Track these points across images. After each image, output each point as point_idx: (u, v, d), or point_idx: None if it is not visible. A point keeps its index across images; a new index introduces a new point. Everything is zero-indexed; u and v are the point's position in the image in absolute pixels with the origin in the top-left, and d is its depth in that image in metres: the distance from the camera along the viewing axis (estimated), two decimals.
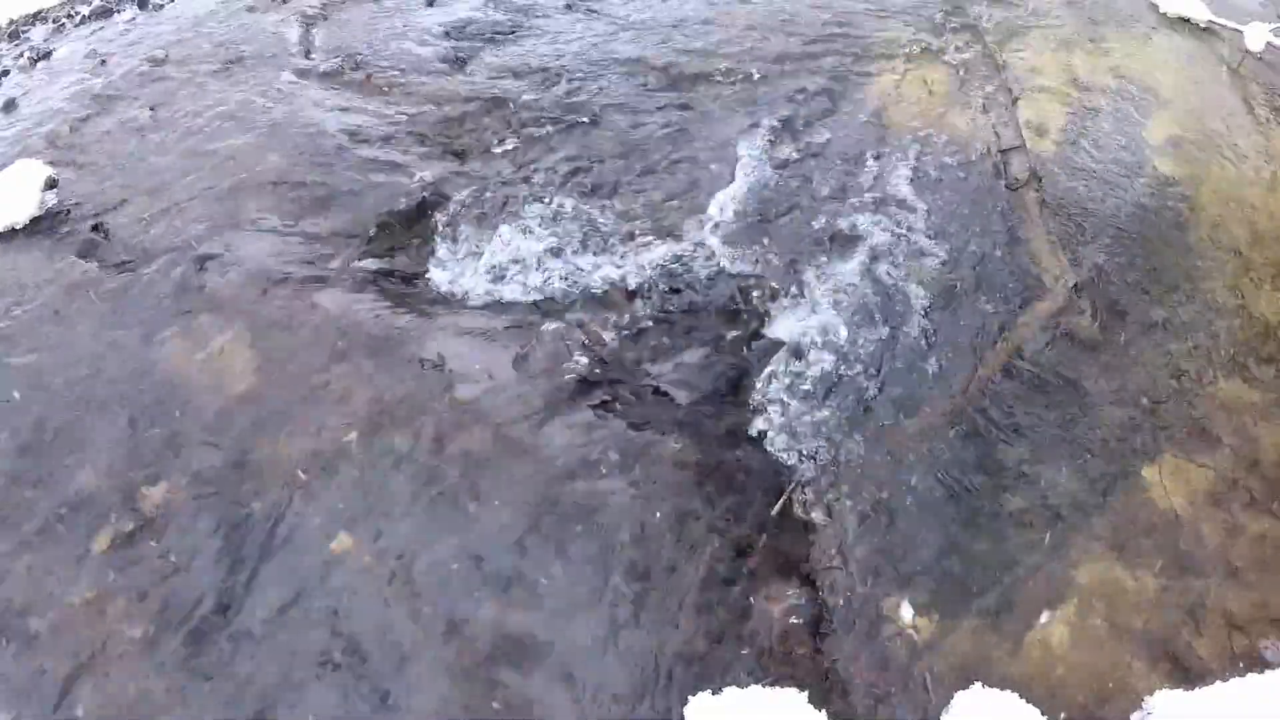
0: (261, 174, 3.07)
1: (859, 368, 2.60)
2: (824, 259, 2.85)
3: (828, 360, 2.61)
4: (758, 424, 2.49)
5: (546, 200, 3.02)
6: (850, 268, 2.82)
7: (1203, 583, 2.27)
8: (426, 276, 2.83)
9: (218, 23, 3.90)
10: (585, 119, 3.31)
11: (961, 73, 3.49)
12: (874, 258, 2.84)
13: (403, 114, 3.37)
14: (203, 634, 2.08)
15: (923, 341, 2.66)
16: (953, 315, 2.72)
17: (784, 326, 2.70)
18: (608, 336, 2.66)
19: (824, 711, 1.96)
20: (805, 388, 2.56)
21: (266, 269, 2.76)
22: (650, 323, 2.71)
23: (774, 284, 2.79)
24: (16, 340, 2.60)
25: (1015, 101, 3.35)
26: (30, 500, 2.28)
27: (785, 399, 2.54)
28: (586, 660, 2.05)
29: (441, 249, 2.90)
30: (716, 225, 2.94)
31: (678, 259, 2.85)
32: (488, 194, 3.06)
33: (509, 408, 2.45)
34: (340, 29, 3.89)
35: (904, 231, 2.91)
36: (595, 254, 2.86)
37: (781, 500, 2.34)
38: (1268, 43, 3.80)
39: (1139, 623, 2.20)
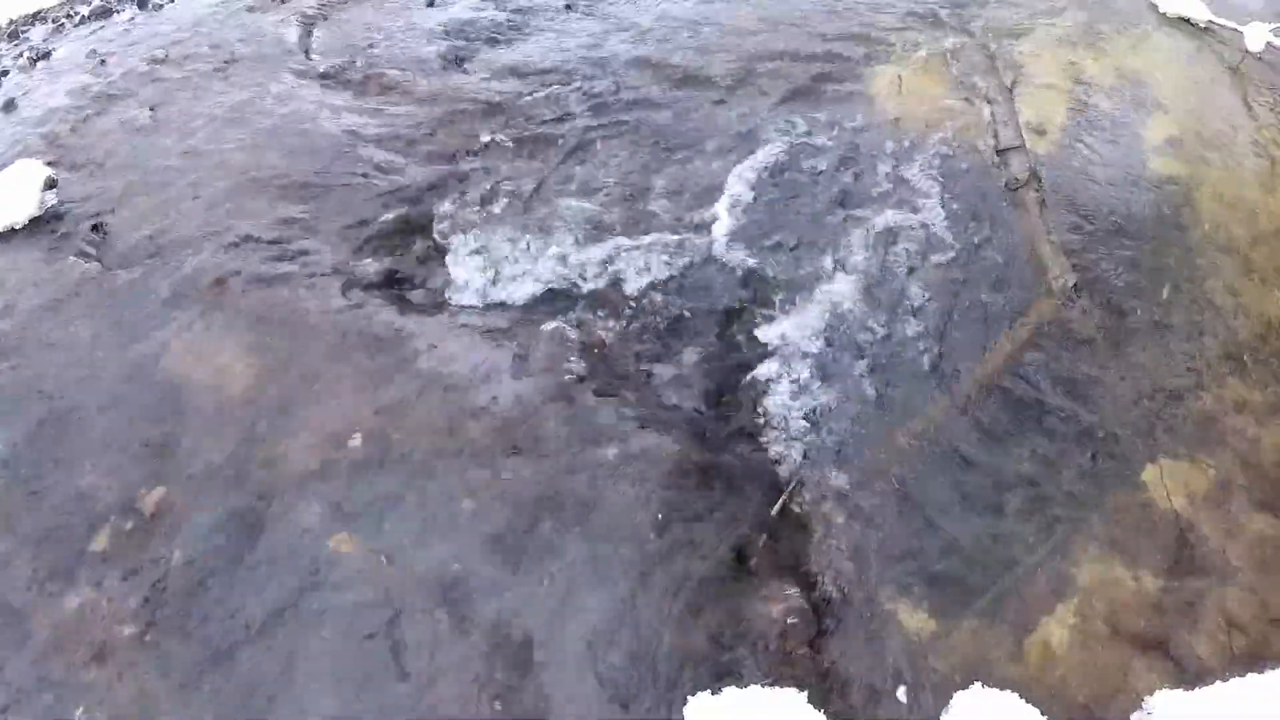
0: (261, 174, 3.07)
1: (858, 368, 2.60)
2: (824, 259, 2.85)
3: (827, 360, 2.61)
4: (757, 423, 2.49)
5: (547, 200, 3.02)
6: (850, 268, 2.82)
7: (1203, 583, 2.27)
8: (426, 276, 2.83)
9: (217, 23, 3.90)
10: (586, 119, 3.31)
11: (961, 73, 3.49)
12: (873, 258, 2.84)
13: (402, 114, 3.37)
14: (202, 634, 2.08)
15: (923, 341, 2.66)
16: (953, 315, 2.72)
17: (784, 326, 2.69)
18: (608, 336, 2.66)
19: (824, 711, 1.96)
20: (805, 388, 2.56)
21: (266, 269, 2.76)
22: (650, 322, 2.71)
23: (774, 283, 2.79)
24: (16, 340, 2.60)
25: (1015, 101, 3.35)
26: (30, 500, 2.28)
27: (785, 399, 2.53)
28: (585, 660, 2.05)
29: (441, 249, 2.90)
30: (717, 225, 2.94)
31: (678, 258, 2.85)
32: (487, 194, 3.06)
33: (508, 408, 2.44)
34: (340, 29, 3.89)
35: (903, 231, 2.91)
36: (596, 253, 2.86)
37: (781, 500, 2.34)
38: (1268, 43, 3.80)
39: (1139, 623, 2.20)
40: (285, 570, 2.16)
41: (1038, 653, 2.14)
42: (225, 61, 3.62)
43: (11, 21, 4.42)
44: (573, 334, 2.63)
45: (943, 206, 2.98)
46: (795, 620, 2.15)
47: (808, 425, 2.49)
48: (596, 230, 2.92)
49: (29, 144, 3.25)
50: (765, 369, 2.60)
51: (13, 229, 2.90)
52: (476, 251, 2.88)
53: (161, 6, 4.14)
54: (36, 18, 4.39)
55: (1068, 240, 2.91)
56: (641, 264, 2.83)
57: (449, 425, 2.40)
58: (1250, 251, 2.98)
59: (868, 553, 2.27)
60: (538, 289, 2.79)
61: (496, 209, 3.00)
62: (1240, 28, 3.85)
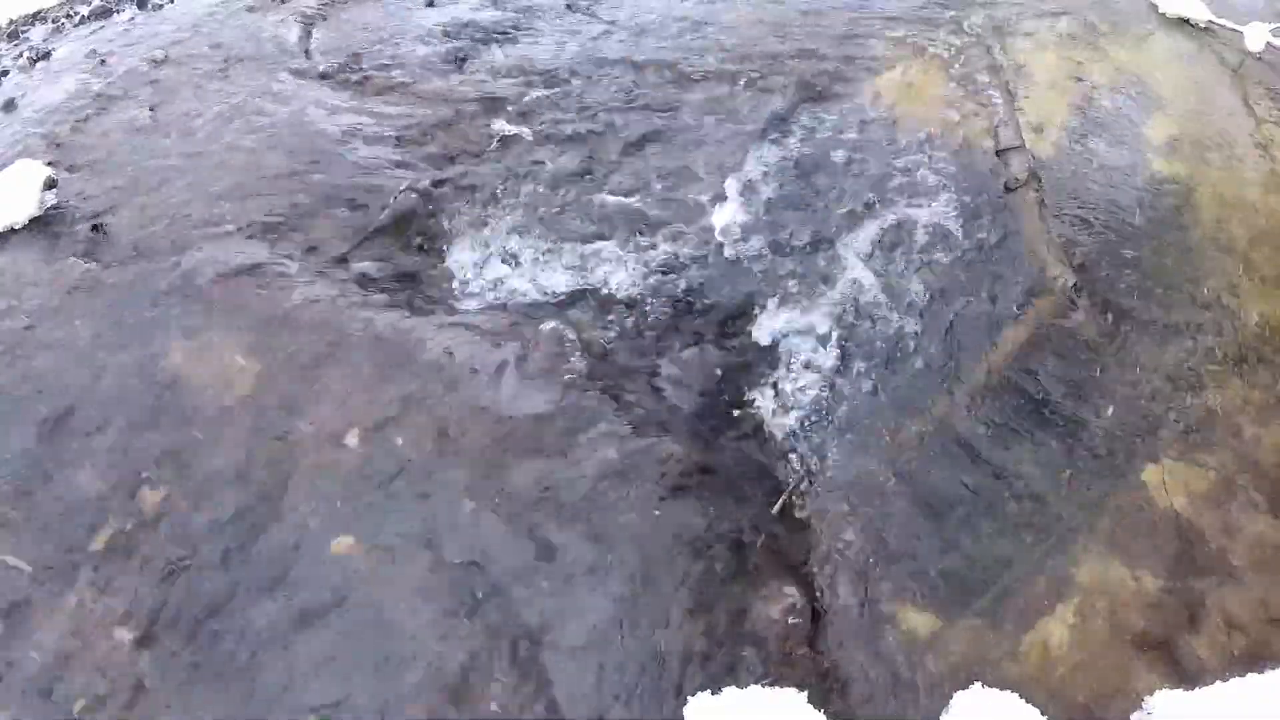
0: (261, 174, 3.07)
1: (858, 367, 2.60)
2: (823, 259, 2.85)
3: (827, 360, 2.61)
4: (757, 423, 2.49)
5: (547, 199, 3.02)
6: (848, 268, 2.82)
7: (1203, 583, 2.27)
8: (426, 276, 2.83)
9: (217, 23, 3.90)
10: (587, 118, 3.31)
11: (961, 72, 3.49)
12: (872, 258, 2.84)
13: (402, 114, 3.37)
14: (202, 634, 2.08)
15: (922, 341, 2.66)
16: (952, 315, 2.72)
17: (783, 326, 2.70)
18: (608, 336, 2.66)
19: (824, 711, 1.96)
20: (805, 387, 2.56)
21: (266, 269, 2.76)
22: (651, 321, 2.71)
23: (774, 283, 2.79)
24: (15, 341, 2.60)
25: (1014, 101, 3.35)
26: (29, 500, 2.28)
27: (785, 398, 2.54)
28: (585, 660, 2.05)
29: (441, 249, 2.90)
30: (716, 225, 2.94)
31: (678, 257, 2.85)
32: (488, 193, 3.06)
33: (508, 408, 2.45)
34: (340, 29, 3.89)
35: (903, 232, 2.91)
36: (596, 253, 2.86)
37: (781, 500, 2.34)
38: (1268, 43, 3.80)
39: (1139, 623, 2.20)
40: (286, 570, 2.16)
41: (1037, 653, 2.14)
42: (225, 61, 3.62)
43: (11, 21, 4.42)
44: (573, 334, 2.63)
45: (942, 207, 2.98)
46: (795, 620, 2.15)
47: (807, 425, 2.49)
48: (597, 230, 2.92)
49: (29, 144, 3.25)
50: (765, 369, 2.60)
51: (12, 229, 2.90)
52: (477, 251, 2.88)
53: (161, 6, 4.14)
54: (36, 18, 4.38)
55: (1068, 240, 2.91)
56: (642, 263, 2.83)
57: (450, 425, 2.40)
58: (1250, 251, 2.98)
59: (868, 552, 2.27)
60: (538, 289, 2.79)
61: (497, 209, 3.00)
62: (1240, 28, 3.85)
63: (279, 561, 2.17)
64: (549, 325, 2.66)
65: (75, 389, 2.48)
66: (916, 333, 2.68)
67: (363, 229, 2.92)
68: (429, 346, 2.58)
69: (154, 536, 2.21)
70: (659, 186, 3.07)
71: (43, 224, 2.92)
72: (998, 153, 3.16)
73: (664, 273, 2.81)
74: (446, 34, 3.80)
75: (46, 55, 3.87)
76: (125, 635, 2.07)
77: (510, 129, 3.30)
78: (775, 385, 2.57)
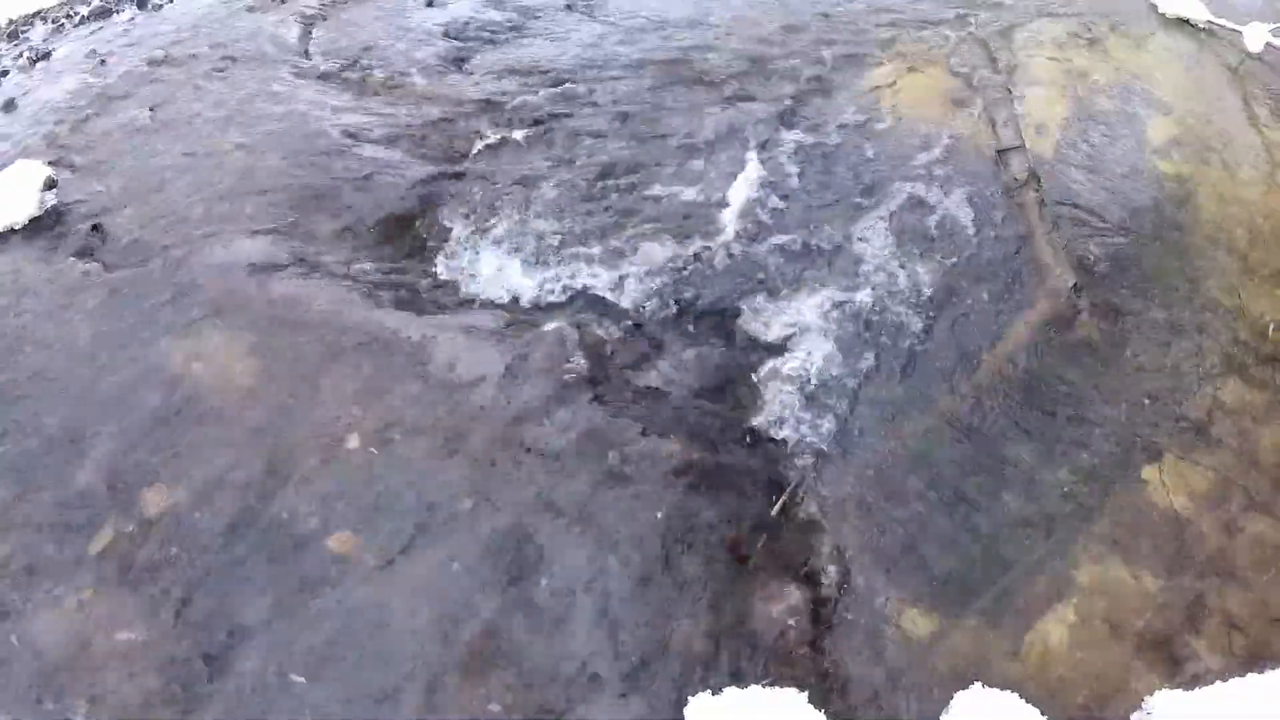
0: (261, 174, 3.07)
1: (858, 367, 2.60)
2: (822, 259, 2.85)
3: (827, 360, 2.61)
4: (757, 423, 2.49)
5: (548, 199, 3.02)
6: (847, 268, 2.82)
7: (1203, 583, 2.27)
8: (426, 276, 2.83)
9: (217, 23, 3.90)
10: (587, 118, 3.32)
11: (960, 72, 3.49)
12: (871, 258, 2.84)
13: (402, 114, 3.37)
14: (203, 635, 2.08)
15: (922, 341, 2.66)
16: (952, 315, 2.72)
17: (783, 326, 2.69)
18: (608, 336, 2.66)
19: (824, 711, 1.96)
20: (804, 387, 2.56)
21: (266, 269, 2.76)
22: (651, 321, 2.71)
23: (774, 283, 2.79)
24: (15, 341, 2.60)
25: (1015, 101, 3.35)
26: (29, 501, 2.28)
27: (784, 398, 2.54)
28: (585, 660, 2.05)
29: (440, 249, 2.91)
30: (716, 225, 2.94)
31: (679, 257, 2.85)
32: (487, 193, 3.06)
33: (508, 408, 2.45)
34: (340, 29, 3.89)
35: (902, 232, 2.91)
36: (596, 252, 2.86)
37: (781, 500, 2.34)
38: (1267, 43, 3.80)
39: (1139, 623, 2.20)
40: (286, 570, 2.16)
41: (1037, 653, 2.14)
42: (225, 61, 3.62)
43: (11, 21, 4.42)
44: (573, 334, 2.63)
45: (943, 207, 2.98)
46: (795, 620, 2.15)
47: (808, 425, 2.49)
48: (598, 229, 2.92)
49: (29, 144, 3.25)
50: (765, 369, 2.60)
51: (12, 229, 2.90)
52: (477, 252, 2.88)
53: (161, 6, 4.14)
54: (36, 18, 4.39)
55: (1068, 240, 2.91)
56: (643, 263, 2.83)
57: (449, 425, 2.40)
58: (1250, 251, 2.98)
59: (868, 552, 2.27)
60: (539, 289, 2.79)
61: (497, 209, 3.00)
62: (1240, 28, 3.85)
63: (279, 561, 2.17)
64: (550, 325, 2.66)
65: (75, 389, 2.48)
66: (915, 333, 2.68)
67: (362, 229, 2.92)
68: (429, 346, 2.58)
69: (154, 537, 2.21)
70: (660, 186, 3.07)
71: (42, 224, 2.92)
72: (998, 153, 3.16)
73: (664, 272, 2.81)
74: (446, 34, 3.81)
75: (46, 55, 3.87)
76: (125, 636, 2.07)
77: (510, 129, 3.30)
78: (775, 385, 2.57)
